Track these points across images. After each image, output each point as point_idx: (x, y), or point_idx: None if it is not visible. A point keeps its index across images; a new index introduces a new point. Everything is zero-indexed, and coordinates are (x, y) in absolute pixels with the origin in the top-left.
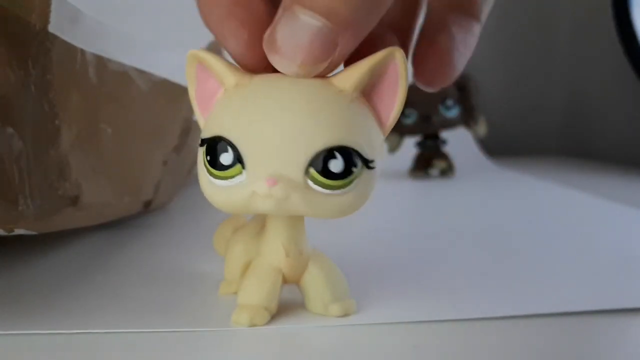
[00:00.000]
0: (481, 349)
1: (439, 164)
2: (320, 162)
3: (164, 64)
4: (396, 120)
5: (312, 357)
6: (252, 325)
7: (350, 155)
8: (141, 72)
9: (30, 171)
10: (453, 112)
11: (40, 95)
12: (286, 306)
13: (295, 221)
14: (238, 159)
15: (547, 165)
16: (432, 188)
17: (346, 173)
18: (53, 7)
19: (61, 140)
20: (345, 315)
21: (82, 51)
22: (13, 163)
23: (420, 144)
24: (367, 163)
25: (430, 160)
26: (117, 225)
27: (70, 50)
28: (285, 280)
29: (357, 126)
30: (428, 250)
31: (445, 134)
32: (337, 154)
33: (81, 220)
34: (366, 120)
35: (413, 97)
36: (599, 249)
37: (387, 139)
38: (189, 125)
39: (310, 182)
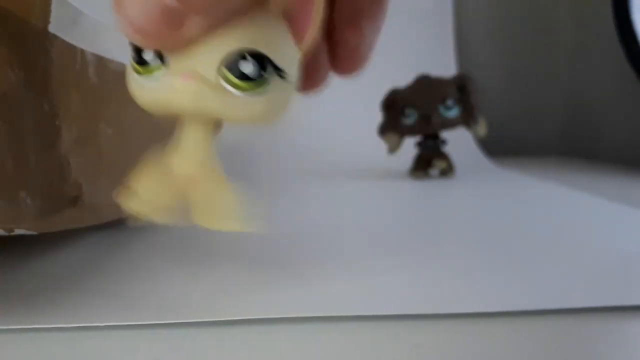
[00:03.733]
0: (480, 344)
1: (439, 164)
2: (233, 64)
3: None
4: (312, 37)
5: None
6: (139, 215)
7: (262, 60)
8: None
9: (30, 171)
10: (453, 112)
11: (40, 95)
12: (280, 299)
13: (207, 134)
14: (159, 57)
15: (547, 165)
16: (432, 188)
17: (258, 77)
18: (53, 7)
19: (61, 140)
20: (240, 229)
21: (83, 51)
22: (13, 163)
23: (420, 144)
24: (279, 72)
25: (430, 160)
26: (116, 225)
27: (71, 51)
28: (181, 189)
29: (271, 36)
30: (427, 248)
31: (445, 134)
32: (249, 57)
33: (81, 220)
34: (281, 33)
35: (413, 97)
36: (598, 248)
37: (388, 139)
38: None
39: (223, 82)
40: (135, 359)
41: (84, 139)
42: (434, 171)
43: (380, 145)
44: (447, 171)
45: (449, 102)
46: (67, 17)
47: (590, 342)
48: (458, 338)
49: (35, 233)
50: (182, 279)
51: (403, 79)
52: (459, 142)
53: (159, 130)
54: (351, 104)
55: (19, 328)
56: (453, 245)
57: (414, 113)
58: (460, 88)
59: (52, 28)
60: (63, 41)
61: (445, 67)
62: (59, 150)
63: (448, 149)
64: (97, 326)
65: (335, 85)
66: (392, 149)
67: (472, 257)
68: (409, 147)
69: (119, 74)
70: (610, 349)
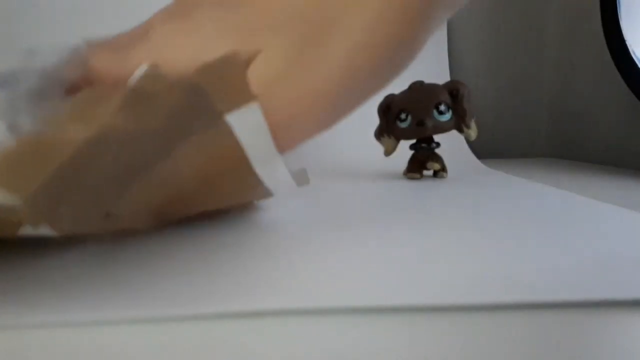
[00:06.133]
0: (468, 335)
1: (433, 166)
2: None
3: None
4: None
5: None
6: None
7: None
8: None
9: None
10: (446, 117)
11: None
12: (277, 292)
13: None
14: None
15: (536, 166)
16: (425, 188)
17: None
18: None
19: (149, 171)
20: None
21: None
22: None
23: (414, 147)
24: None
25: (424, 162)
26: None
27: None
28: None
29: None
30: (420, 244)
31: (438, 137)
32: None
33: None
34: None
35: (408, 102)
36: (585, 245)
37: (384, 142)
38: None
39: None
40: (136, 352)
41: (148, 182)
42: (428, 172)
43: (376, 148)
44: (440, 172)
45: (442, 108)
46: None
47: (575, 335)
48: (448, 330)
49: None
50: (182, 272)
51: (398, 85)
52: (451, 144)
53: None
54: None
55: (18, 325)
56: (445, 242)
57: (409, 118)
58: (452, 94)
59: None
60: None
61: (439, 74)
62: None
63: (441, 151)
64: (98, 320)
65: None
66: (388, 151)
67: (464, 253)
68: (404, 149)
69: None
70: (591, 342)
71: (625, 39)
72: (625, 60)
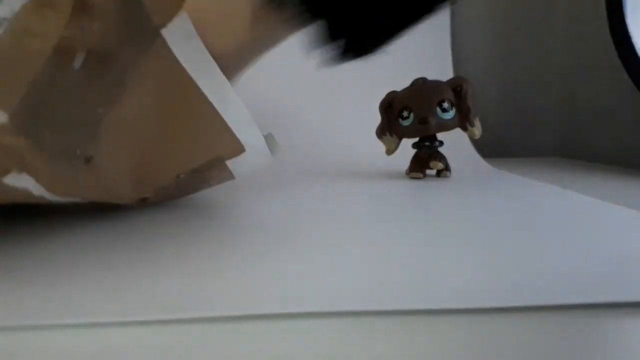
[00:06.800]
0: (473, 339)
1: (436, 165)
2: None
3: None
4: None
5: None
6: None
7: None
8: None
9: (64, 122)
10: (449, 115)
11: (125, 66)
12: (278, 294)
13: None
14: None
15: (541, 166)
16: (428, 187)
17: None
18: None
19: (114, 106)
20: None
21: (175, 60)
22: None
23: (417, 146)
24: None
25: (427, 161)
26: (112, 217)
27: (167, 55)
28: None
29: None
30: (423, 245)
31: (441, 136)
32: None
33: (96, 192)
34: None
35: (411, 100)
36: (591, 246)
37: (385, 140)
38: (217, 163)
39: None
40: (135, 355)
41: (130, 116)
42: (431, 171)
43: (378, 146)
44: (443, 171)
45: (446, 105)
46: (183, 33)
47: (581, 337)
48: (452, 333)
49: (51, 200)
50: (179, 274)
51: (401, 82)
52: (455, 143)
53: (189, 148)
54: (350, 106)
55: (18, 325)
56: (448, 243)
57: (411, 116)
58: (456, 91)
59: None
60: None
61: (442, 70)
62: (106, 113)
63: (444, 150)
64: (98, 323)
65: (335, 88)
66: (390, 150)
67: (467, 254)
68: (407, 148)
69: (191, 89)
70: (600, 345)
71: (632, 38)
72: (633, 59)
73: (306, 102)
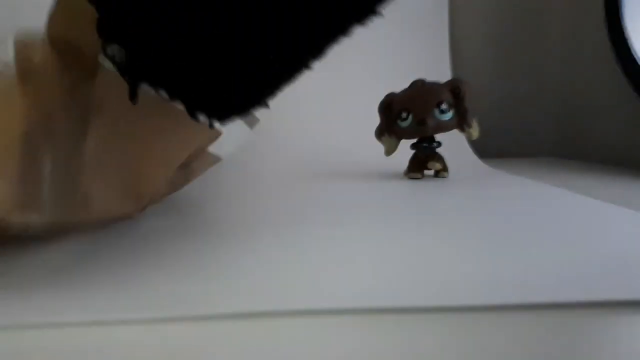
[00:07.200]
0: (470, 336)
1: (434, 165)
2: None
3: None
4: None
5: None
6: None
7: None
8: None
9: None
10: (447, 116)
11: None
12: (278, 293)
13: None
14: None
15: (538, 166)
16: (426, 188)
17: None
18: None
19: (90, 135)
20: None
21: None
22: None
23: (415, 146)
24: None
25: (425, 161)
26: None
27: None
28: None
29: None
30: (421, 244)
31: (439, 137)
32: None
33: (85, 215)
34: None
35: (409, 101)
36: (588, 245)
37: (384, 141)
38: (200, 152)
39: None
40: (135, 354)
41: (99, 151)
42: (429, 172)
43: (376, 147)
44: (442, 172)
45: (444, 107)
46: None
47: (580, 337)
48: (450, 331)
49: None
50: (178, 273)
51: (400, 84)
52: (453, 144)
53: (169, 149)
54: (349, 107)
55: (18, 325)
56: (446, 242)
57: (410, 117)
58: (454, 93)
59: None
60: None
61: (440, 72)
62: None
63: (442, 150)
64: (97, 321)
65: (335, 89)
66: (389, 151)
67: (464, 254)
68: (406, 149)
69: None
70: (596, 343)
71: (629, 38)
72: (629, 59)
73: (306, 103)
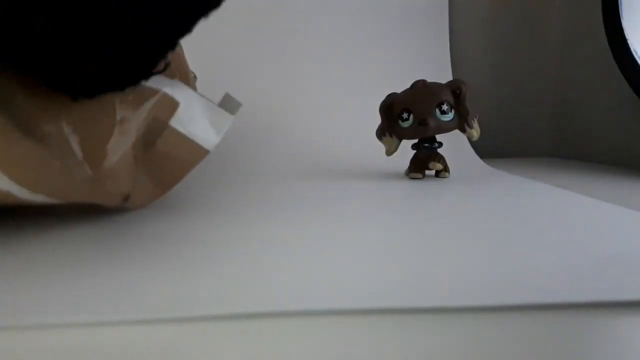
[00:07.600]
0: (469, 337)
1: (435, 166)
2: None
3: None
4: None
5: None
6: None
7: None
8: None
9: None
10: (448, 117)
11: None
12: (279, 293)
13: None
14: None
15: (538, 166)
16: (427, 188)
17: None
18: None
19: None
20: None
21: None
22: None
23: (416, 147)
24: None
25: (426, 161)
26: (97, 220)
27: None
28: None
29: None
30: (421, 244)
31: (440, 137)
32: None
33: (67, 190)
34: None
35: (410, 102)
36: (587, 245)
37: (385, 142)
38: (160, 126)
39: None
40: (134, 354)
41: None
42: (430, 172)
43: (377, 147)
44: (442, 172)
45: (445, 107)
46: None
47: (578, 337)
48: (450, 331)
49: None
50: (177, 273)
51: (401, 84)
52: (453, 144)
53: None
54: (350, 107)
55: (18, 325)
56: (447, 242)
57: (411, 117)
58: (455, 93)
59: None
60: None
61: (441, 72)
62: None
63: (443, 150)
64: (97, 321)
65: (336, 90)
66: (390, 151)
67: (465, 253)
68: (407, 149)
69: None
70: (594, 344)
71: (627, 38)
72: (628, 60)
73: (306, 103)
